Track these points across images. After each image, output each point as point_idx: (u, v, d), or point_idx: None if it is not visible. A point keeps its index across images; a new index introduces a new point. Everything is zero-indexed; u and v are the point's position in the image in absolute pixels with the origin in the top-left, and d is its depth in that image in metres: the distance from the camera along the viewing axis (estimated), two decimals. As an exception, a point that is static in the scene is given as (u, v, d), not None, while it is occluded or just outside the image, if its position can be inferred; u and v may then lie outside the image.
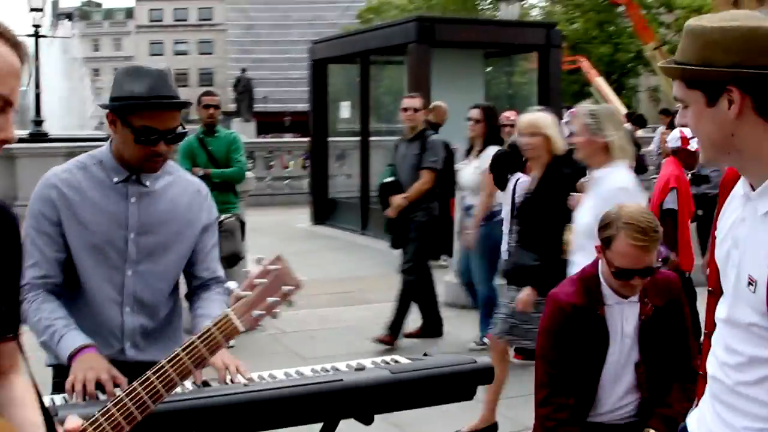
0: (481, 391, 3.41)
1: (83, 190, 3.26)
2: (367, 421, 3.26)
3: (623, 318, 3.77)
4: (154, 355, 3.27)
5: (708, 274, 2.72)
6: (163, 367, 2.41)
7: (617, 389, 3.82)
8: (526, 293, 5.72)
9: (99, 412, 2.38)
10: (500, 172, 7.86)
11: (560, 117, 15.29)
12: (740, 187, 2.34)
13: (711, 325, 2.61)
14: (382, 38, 15.64)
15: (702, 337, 2.74)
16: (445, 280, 10.43)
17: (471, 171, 8.54)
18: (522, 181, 7.26)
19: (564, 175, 5.86)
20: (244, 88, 39.20)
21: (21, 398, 2.08)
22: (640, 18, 38.96)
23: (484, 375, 3.40)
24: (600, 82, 36.60)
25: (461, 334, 8.83)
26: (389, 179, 8.77)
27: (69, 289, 3.31)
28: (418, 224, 8.65)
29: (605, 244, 3.71)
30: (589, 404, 3.82)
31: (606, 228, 3.71)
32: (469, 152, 8.84)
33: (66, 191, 3.25)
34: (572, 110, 12.76)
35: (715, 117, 2.19)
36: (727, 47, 2.15)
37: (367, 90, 16.88)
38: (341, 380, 3.13)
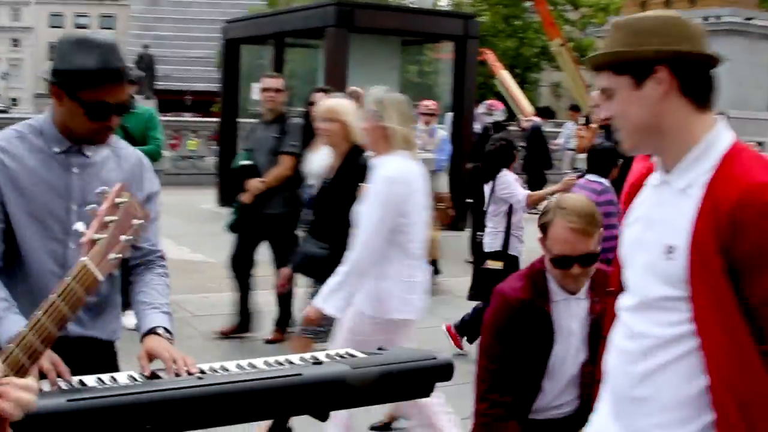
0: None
1: (22, 158, 3.12)
2: (323, 417, 3.14)
3: (570, 315, 3.73)
4: (96, 331, 3.24)
5: (611, 274, 2.77)
6: (23, 335, 2.16)
7: (559, 386, 3.79)
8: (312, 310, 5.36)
9: None
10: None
11: (472, 108, 15.46)
12: (653, 178, 2.53)
13: (608, 329, 2.68)
14: (299, 20, 15.45)
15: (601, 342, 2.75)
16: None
17: (321, 158, 8.34)
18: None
19: (360, 164, 5.62)
20: (146, 65, 38.56)
21: None
22: (547, 14, 39.28)
23: (444, 371, 3.30)
24: (504, 76, 36.76)
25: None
26: (246, 162, 8.18)
27: (7, 261, 3.15)
28: (275, 217, 8.05)
29: (543, 231, 3.70)
30: (531, 401, 3.77)
31: (544, 215, 3.68)
32: None
33: (4, 159, 3.09)
34: (489, 101, 12.87)
35: (642, 99, 2.39)
36: (654, 32, 2.38)
37: (280, 73, 16.65)
38: (300, 374, 2.99)
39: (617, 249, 2.65)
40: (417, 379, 3.25)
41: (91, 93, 3.00)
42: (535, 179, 18.85)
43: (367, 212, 4.82)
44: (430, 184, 10.14)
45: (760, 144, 16.73)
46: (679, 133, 2.40)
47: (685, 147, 2.39)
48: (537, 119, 19.73)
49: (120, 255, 2.30)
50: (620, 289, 2.62)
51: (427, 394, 3.31)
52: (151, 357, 3.05)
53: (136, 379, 2.94)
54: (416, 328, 8.43)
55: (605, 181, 6.81)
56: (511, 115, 16.83)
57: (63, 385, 2.85)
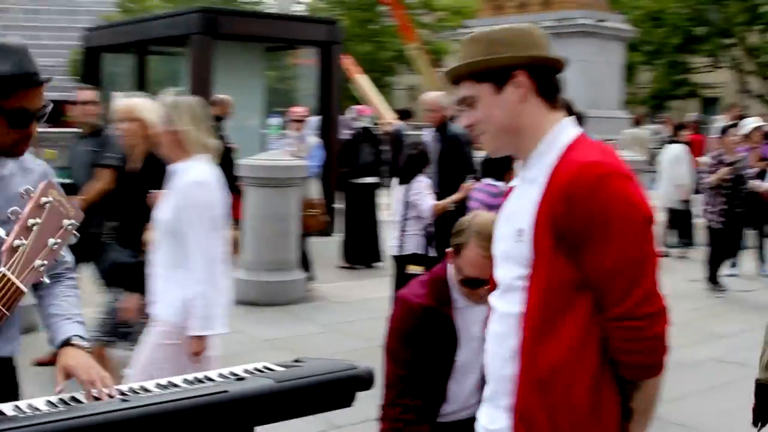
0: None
1: None
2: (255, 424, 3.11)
3: (473, 321, 3.77)
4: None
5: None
6: None
7: (465, 391, 3.83)
8: (130, 301, 5.39)
9: None
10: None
11: (338, 112, 15.52)
12: (516, 180, 2.74)
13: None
14: (163, 28, 15.23)
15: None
16: (235, 276, 10.24)
17: None
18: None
19: (161, 165, 5.21)
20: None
21: None
22: (403, 18, 39.64)
23: (364, 381, 3.31)
24: (361, 80, 36.98)
25: (255, 332, 8.68)
26: (62, 181, 7.60)
27: None
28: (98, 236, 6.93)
29: (456, 251, 3.69)
30: (439, 404, 3.81)
31: (458, 235, 3.69)
32: None
33: None
34: (357, 107, 12.94)
35: (504, 102, 2.58)
36: (507, 42, 2.59)
37: (143, 81, 16.39)
38: (226, 391, 2.96)
39: None
40: (339, 390, 3.25)
41: (12, 100, 2.84)
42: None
43: (187, 222, 4.64)
44: (302, 190, 10.27)
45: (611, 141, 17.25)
46: (534, 131, 2.60)
47: (537, 143, 2.60)
48: (399, 122, 19.93)
49: (46, 261, 2.16)
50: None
51: (349, 404, 3.30)
52: (68, 374, 2.96)
53: (56, 405, 2.85)
54: (297, 336, 8.53)
55: (501, 185, 6.92)
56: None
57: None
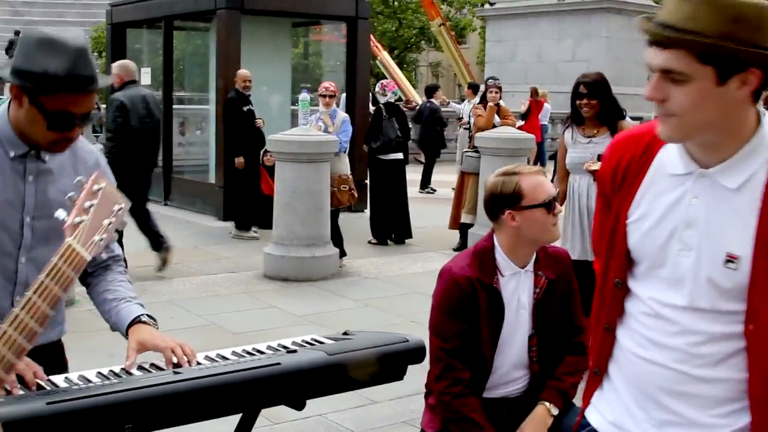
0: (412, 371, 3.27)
1: None
2: (300, 406, 3.07)
3: (519, 289, 3.75)
4: (45, 338, 2.98)
5: (611, 264, 2.49)
6: (16, 314, 2.07)
7: (509, 362, 3.79)
8: None
9: None
10: None
11: (367, 88, 15.45)
12: (671, 164, 2.29)
13: (614, 319, 2.50)
14: (189, 2, 15.12)
15: (601, 332, 2.59)
16: (264, 251, 10.24)
17: None
18: None
19: None
20: (18, 52, 37.55)
21: None
22: (426, -6, 39.50)
23: (416, 353, 3.26)
24: (385, 57, 36.89)
25: (289, 308, 8.65)
26: None
27: None
28: None
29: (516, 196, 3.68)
30: (484, 378, 3.77)
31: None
32: None
33: None
34: (383, 81, 12.86)
35: (722, 97, 2.09)
36: (756, 26, 2.05)
37: (170, 57, 16.35)
38: (279, 363, 2.92)
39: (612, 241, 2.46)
40: (390, 363, 3.21)
41: (55, 101, 2.72)
42: (430, 158, 19.02)
43: None
44: (332, 166, 10.22)
45: (640, 119, 17.09)
46: (738, 130, 2.17)
47: (739, 142, 2.17)
48: (434, 100, 19.89)
49: (105, 237, 2.24)
50: (624, 279, 2.44)
51: (400, 377, 3.27)
52: (143, 349, 2.93)
53: (107, 377, 2.82)
54: (330, 311, 8.50)
55: None
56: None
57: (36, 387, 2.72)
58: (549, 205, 3.67)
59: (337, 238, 10.61)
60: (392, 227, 12.31)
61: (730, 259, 2.15)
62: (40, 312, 2.09)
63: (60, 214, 2.23)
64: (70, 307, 7.36)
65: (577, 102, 6.59)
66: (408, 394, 5.79)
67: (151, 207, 15.27)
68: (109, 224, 2.27)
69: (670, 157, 2.30)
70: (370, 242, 12.19)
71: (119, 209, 2.31)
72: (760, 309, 2.15)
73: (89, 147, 3.14)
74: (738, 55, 2.04)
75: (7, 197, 2.88)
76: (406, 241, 12.28)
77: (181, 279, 9.87)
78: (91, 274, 3.19)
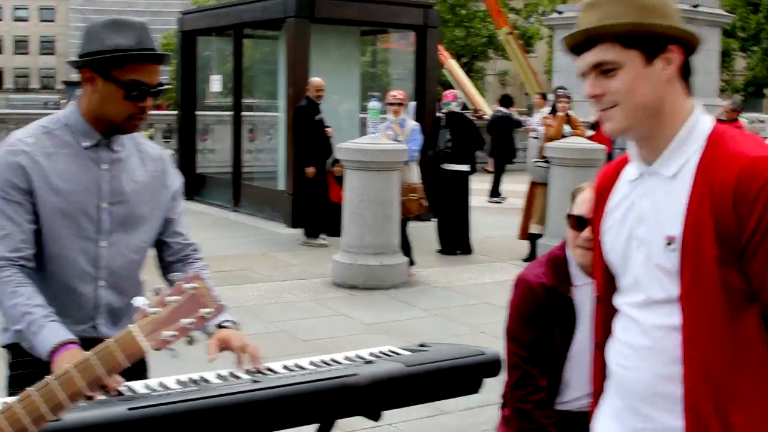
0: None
1: (53, 155, 3.00)
2: (375, 417, 3.06)
3: (592, 300, 3.70)
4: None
5: (594, 280, 2.64)
6: (48, 384, 2.02)
7: (585, 375, 3.74)
8: None
9: None
10: None
11: (435, 97, 15.43)
12: (629, 173, 2.43)
13: (601, 335, 2.57)
14: (259, 11, 15.25)
15: (593, 349, 2.63)
16: (333, 259, 10.27)
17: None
18: None
19: None
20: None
21: None
22: (494, 2, 39.44)
23: (491, 366, 3.24)
24: (453, 65, 36.90)
25: (358, 316, 8.66)
26: None
27: (38, 261, 3.02)
28: None
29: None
30: (557, 389, 3.73)
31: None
32: None
33: (36, 157, 2.97)
34: (448, 92, 12.83)
35: (651, 77, 2.27)
36: (663, 11, 2.28)
37: (240, 64, 16.50)
38: (356, 374, 2.92)
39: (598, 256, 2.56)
40: (466, 375, 3.20)
41: (128, 72, 2.91)
42: (500, 167, 18.97)
43: None
44: (402, 175, 10.23)
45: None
46: (672, 116, 2.29)
47: (672, 132, 2.30)
48: (503, 108, 19.83)
49: (176, 334, 2.18)
50: (606, 294, 2.54)
51: (475, 390, 3.25)
52: (222, 346, 2.99)
53: (186, 384, 2.84)
54: (399, 320, 8.51)
55: None
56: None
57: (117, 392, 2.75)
58: (572, 221, 3.63)
59: (406, 247, 10.60)
60: (455, 238, 12.25)
61: (670, 241, 2.25)
62: (75, 389, 2.04)
63: (138, 300, 2.20)
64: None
65: None
66: (478, 405, 5.75)
67: (221, 213, 15.55)
68: (189, 324, 2.20)
69: (629, 168, 2.45)
70: (438, 252, 12.16)
71: (206, 313, 2.24)
72: (690, 290, 2.22)
73: (153, 144, 3.32)
74: (654, 32, 2.25)
75: (85, 183, 3.03)
76: (475, 251, 12.22)
77: (250, 285, 9.93)
78: (171, 266, 3.28)
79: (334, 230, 11.24)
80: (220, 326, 3.05)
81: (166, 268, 3.29)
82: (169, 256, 3.29)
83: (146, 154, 3.21)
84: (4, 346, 3.15)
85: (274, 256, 11.86)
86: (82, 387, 2.02)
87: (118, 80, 2.91)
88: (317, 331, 8.01)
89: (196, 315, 2.21)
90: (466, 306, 9.22)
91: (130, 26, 2.96)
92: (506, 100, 20.38)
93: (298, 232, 13.00)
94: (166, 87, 3.06)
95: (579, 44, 2.32)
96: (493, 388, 3.59)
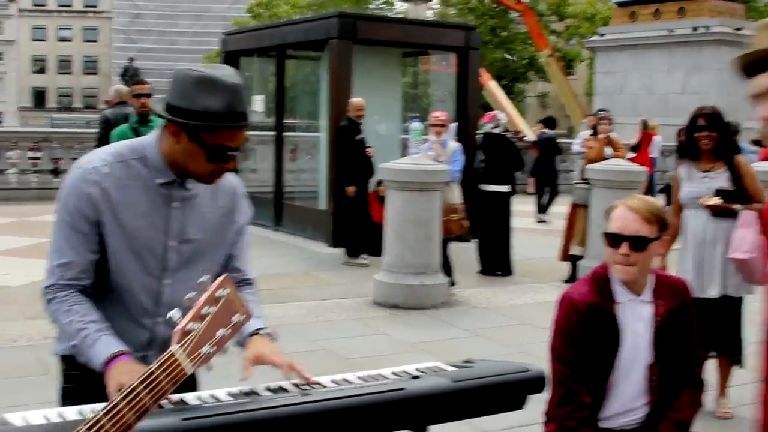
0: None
1: (126, 189, 2.97)
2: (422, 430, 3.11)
3: (635, 316, 3.75)
4: None
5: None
6: (98, 419, 1.98)
7: (627, 391, 3.77)
8: None
9: None
10: None
11: (476, 118, 15.47)
12: None
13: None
14: (301, 32, 15.37)
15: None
16: (374, 278, 10.33)
17: None
18: None
19: None
20: (131, 78, 38.70)
21: None
22: (536, 25, 39.50)
23: (536, 383, 3.28)
24: (493, 87, 36.93)
25: (399, 335, 8.70)
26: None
27: (97, 291, 3.05)
28: None
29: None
30: (599, 406, 3.76)
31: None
32: None
33: (109, 190, 2.94)
34: (491, 113, 12.87)
35: None
36: None
37: (282, 85, 16.64)
38: (403, 389, 2.97)
39: None
40: (511, 392, 3.24)
41: (215, 136, 2.86)
42: (546, 188, 18.98)
43: None
44: (444, 195, 10.28)
45: (758, 144, 16.87)
46: None
47: None
48: (547, 130, 19.84)
49: (215, 349, 2.16)
50: None
51: (520, 407, 3.29)
52: (259, 362, 3.01)
53: (237, 396, 2.90)
54: (440, 340, 8.54)
55: None
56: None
57: (170, 403, 2.81)
58: (608, 239, 3.70)
59: (446, 267, 10.64)
60: (496, 260, 12.28)
61: None
62: (123, 420, 1.99)
63: (174, 314, 2.15)
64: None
65: (696, 134, 6.51)
66: (519, 424, 5.77)
67: (263, 232, 15.65)
68: (225, 334, 2.17)
69: None
70: (479, 272, 12.19)
71: (238, 320, 2.20)
72: None
73: (228, 176, 3.19)
74: None
75: (154, 221, 3.00)
76: (516, 272, 12.24)
77: (292, 304, 9.99)
78: None
79: (376, 250, 11.31)
80: (255, 332, 3.10)
81: None
82: None
83: (219, 188, 3.14)
84: (59, 356, 3.19)
85: (316, 276, 11.94)
86: (130, 417, 1.99)
87: (203, 142, 2.86)
88: (359, 350, 8.06)
89: (230, 324, 2.18)
90: (507, 327, 9.23)
91: (222, 88, 2.83)
92: (550, 122, 20.38)
93: (340, 252, 13.08)
94: (247, 147, 3.03)
95: (752, 65, 2.34)
96: (533, 407, 3.62)
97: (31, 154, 20.31)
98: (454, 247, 11.39)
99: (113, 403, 1.93)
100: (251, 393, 2.93)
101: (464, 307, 10.20)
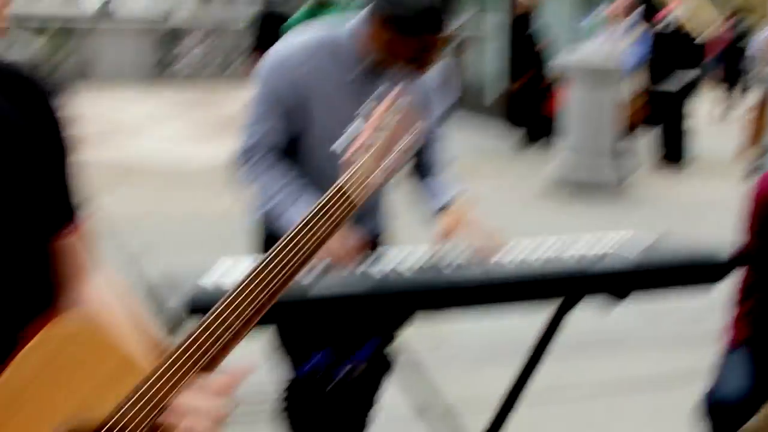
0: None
1: (323, 76, 3.03)
2: (623, 295, 3.12)
3: None
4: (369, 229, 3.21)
5: None
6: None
7: None
8: None
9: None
10: None
11: (660, 7, 14.94)
12: None
13: None
14: None
15: None
16: (549, 167, 10.35)
17: None
18: None
19: None
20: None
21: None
22: None
23: (723, 269, 3.25)
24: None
25: (571, 218, 8.72)
26: None
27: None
28: None
29: None
30: None
31: None
32: None
33: (309, 74, 3.01)
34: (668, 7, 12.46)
35: None
36: None
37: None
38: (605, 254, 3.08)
39: None
40: (699, 272, 3.24)
41: (417, 40, 2.92)
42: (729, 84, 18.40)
43: None
44: (624, 84, 10.12)
45: None
46: None
47: None
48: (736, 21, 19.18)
49: (387, 172, 1.98)
50: None
51: (710, 286, 3.27)
52: (452, 228, 3.11)
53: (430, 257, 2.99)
54: (618, 227, 8.42)
55: None
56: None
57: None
58: None
59: (626, 156, 10.54)
60: (675, 150, 12.04)
61: None
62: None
63: (337, 146, 2.07)
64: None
65: None
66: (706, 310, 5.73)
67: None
68: (401, 150, 2.00)
69: None
70: (658, 162, 12.00)
71: (414, 131, 2.03)
72: None
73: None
74: None
75: (346, 108, 2.95)
76: (694, 164, 12.00)
77: (471, 183, 10.07)
78: (419, 170, 3.40)
79: (554, 137, 11.27)
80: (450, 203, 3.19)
81: (413, 170, 3.40)
82: (419, 164, 3.38)
83: (419, 81, 3.16)
84: (253, 224, 3.30)
85: (494, 158, 12.00)
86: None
87: (406, 42, 2.93)
88: (534, 232, 8.09)
89: (398, 147, 2.00)
90: (683, 218, 9.12)
91: None
92: (740, 13, 19.65)
93: (519, 136, 13.12)
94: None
95: None
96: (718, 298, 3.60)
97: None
98: (634, 136, 11.24)
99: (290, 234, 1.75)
100: (443, 255, 3.02)
101: (642, 196, 10.16)
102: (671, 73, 11.81)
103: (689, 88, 12.25)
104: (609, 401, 4.95)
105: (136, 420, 1.49)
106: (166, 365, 1.52)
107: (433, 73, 3.27)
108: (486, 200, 9.48)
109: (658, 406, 4.81)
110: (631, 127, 11.00)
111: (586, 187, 9.98)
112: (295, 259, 1.70)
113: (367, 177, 1.91)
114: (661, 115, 11.89)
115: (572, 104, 10.07)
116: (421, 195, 3.36)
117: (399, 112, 2.00)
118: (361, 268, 2.85)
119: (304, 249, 1.72)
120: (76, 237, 1.72)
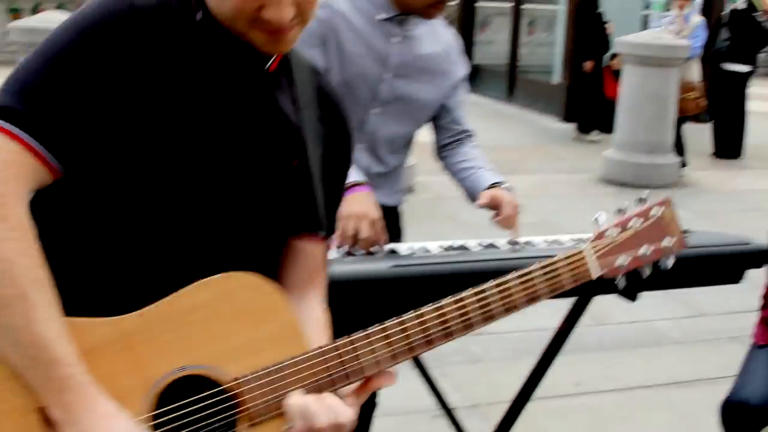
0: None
1: (350, 20, 3.04)
2: (633, 297, 3.06)
3: None
4: (384, 197, 3.15)
5: None
6: (484, 290, 1.76)
7: None
8: None
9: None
10: None
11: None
12: None
13: None
14: None
15: None
16: (603, 155, 10.17)
17: None
18: None
19: None
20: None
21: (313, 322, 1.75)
22: None
23: (757, 258, 3.15)
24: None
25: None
26: None
27: None
28: None
29: None
30: None
31: None
32: None
33: (336, 14, 3.02)
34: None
35: None
36: None
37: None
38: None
39: None
40: (728, 264, 3.14)
41: None
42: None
43: None
44: (682, 72, 9.92)
45: None
46: None
47: None
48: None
49: (631, 263, 1.92)
50: None
51: (737, 280, 3.18)
52: (494, 203, 3.05)
53: (447, 250, 2.94)
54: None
55: None
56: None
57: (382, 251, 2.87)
58: None
59: (679, 147, 10.35)
60: (730, 142, 11.79)
61: None
62: (511, 297, 1.79)
63: (601, 217, 1.94)
64: (409, 195, 7.64)
65: None
66: (738, 310, 5.63)
67: (494, 104, 15.57)
68: (644, 254, 1.94)
69: None
70: (712, 154, 11.78)
71: (668, 245, 1.97)
72: None
73: (444, 27, 3.27)
74: None
75: (373, 52, 3.05)
76: (750, 156, 11.74)
77: (520, 176, 9.96)
78: (446, 147, 3.32)
79: (608, 126, 11.11)
80: (493, 187, 3.11)
81: (439, 149, 3.33)
82: (443, 139, 3.31)
83: (437, 37, 3.20)
84: None
85: (545, 149, 11.88)
86: (518, 299, 1.79)
87: None
88: (580, 225, 7.97)
89: (656, 245, 1.95)
90: (737, 211, 8.95)
91: None
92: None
93: (571, 127, 12.92)
94: None
95: None
96: (756, 294, 3.49)
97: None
98: (689, 127, 11.04)
99: (504, 279, 1.77)
100: (461, 247, 2.97)
101: (694, 189, 9.96)
102: (743, 54, 11.52)
103: (754, 71, 11.99)
104: (641, 395, 4.86)
105: (268, 396, 1.55)
106: (329, 354, 1.58)
107: (454, 36, 3.29)
108: (543, 184, 9.50)
109: (690, 401, 4.72)
110: (690, 116, 10.78)
111: (644, 172, 9.81)
112: (500, 303, 1.75)
113: (615, 254, 1.89)
114: (723, 100, 11.61)
115: (633, 89, 9.87)
116: (457, 167, 3.30)
117: (657, 216, 1.96)
118: (385, 250, 2.85)
119: (512, 297, 1.75)
120: (318, 246, 1.81)
